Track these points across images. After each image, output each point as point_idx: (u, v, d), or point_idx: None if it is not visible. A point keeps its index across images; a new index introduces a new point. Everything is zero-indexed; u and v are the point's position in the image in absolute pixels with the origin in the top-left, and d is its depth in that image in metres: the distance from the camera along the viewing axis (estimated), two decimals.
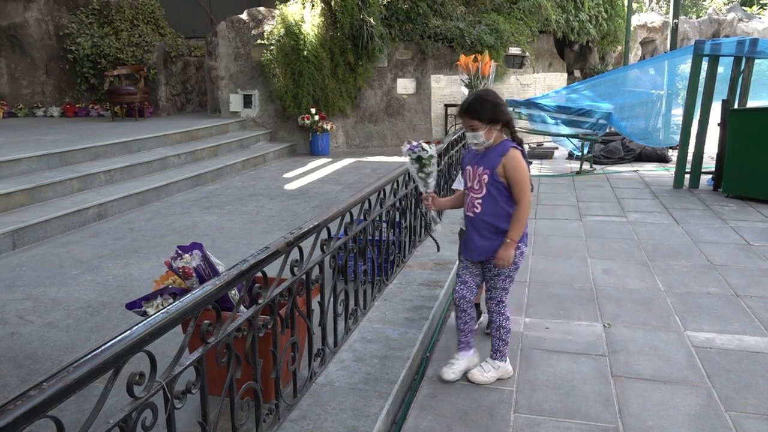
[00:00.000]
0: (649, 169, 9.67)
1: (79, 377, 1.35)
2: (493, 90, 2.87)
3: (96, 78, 11.93)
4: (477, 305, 3.71)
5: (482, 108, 2.71)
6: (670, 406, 2.81)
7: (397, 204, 4.13)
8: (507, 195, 2.75)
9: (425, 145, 3.02)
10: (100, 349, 1.45)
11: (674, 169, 8.25)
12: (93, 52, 11.80)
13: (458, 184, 3.55)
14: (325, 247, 2.85)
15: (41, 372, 3.08)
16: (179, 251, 2.66)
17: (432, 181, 3.07)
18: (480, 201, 2.80)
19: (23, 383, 2.96)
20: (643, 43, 21.17)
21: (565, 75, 14.71)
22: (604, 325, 3.73)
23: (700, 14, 30.72)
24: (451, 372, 3.01)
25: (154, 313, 1.69)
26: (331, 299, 2.98)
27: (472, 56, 3.18)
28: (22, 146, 7.36)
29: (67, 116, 11.81)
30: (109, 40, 11.87)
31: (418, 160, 3.02)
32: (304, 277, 2.63)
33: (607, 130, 10.03)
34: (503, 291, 2.92)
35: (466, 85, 3.26)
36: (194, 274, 2.60)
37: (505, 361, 3.05)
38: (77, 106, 12.00)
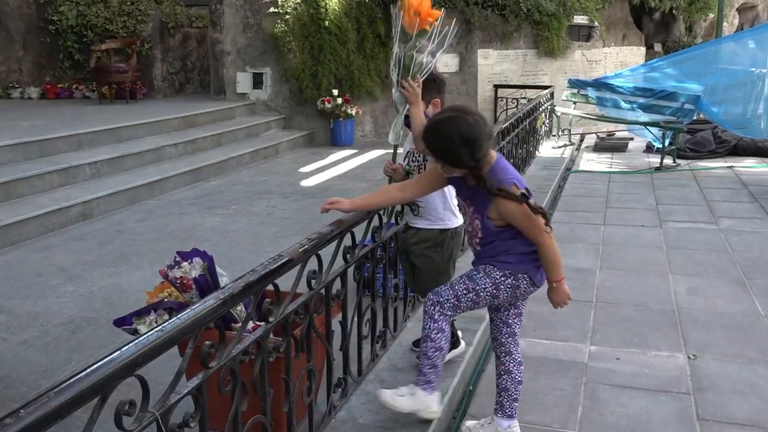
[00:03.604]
0: (746, 165, 9.47)
1: (60, 405, 1.39)
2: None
3: (81, 53, 12.21)
4: None
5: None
6: None
7: None
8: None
9: None
10: (84, 373, 1.49)
11: None
12: (78, 23, 12.09)
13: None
14: (348, 255, 2.86)
15: (15, 398, 3.16)
16: (177, 258, 2.71)
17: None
18: None
19: None
20: (741, 11, 20.73)
21: (643, 49, 14.51)
22: (689, 357, 3.67)
23: None
24: None
25: (147, 332, 1.72)
26: (355, 318, 2.99)
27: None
28: None
29: (47, 98, 12.12)
30: (96, 8, 12.15)
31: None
32: (323, 291, 2.65)
33: (695, 117, 9.86)
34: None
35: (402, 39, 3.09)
36: (194, 286, 2.65)
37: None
38: (59, 86, 12.30)
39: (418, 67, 3.12)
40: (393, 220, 3.34)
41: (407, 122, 3.17)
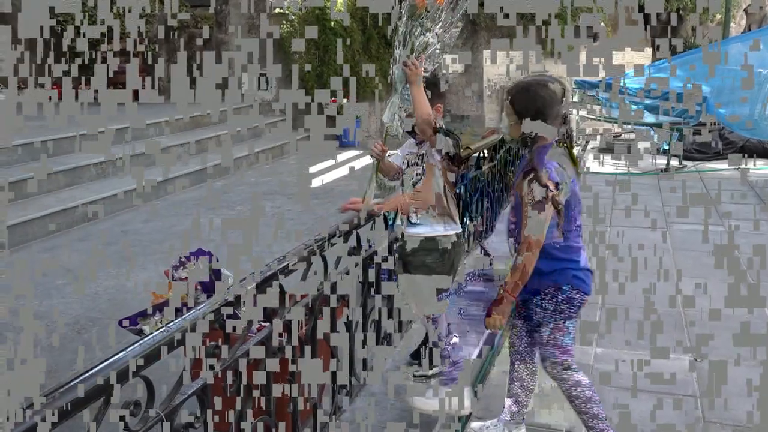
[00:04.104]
0: (754, 166, 9.44)
1: (65, 405, 1.39)
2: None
3: (85, 54, 12.22)
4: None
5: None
6: None
7: None
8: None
9: None
10: (89, 373, 1.50)
11: None
12: (83, 23, 12.10)
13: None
14: (353, 257, 2.86)
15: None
16: (183, 258, 2.71)
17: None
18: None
19: None
20: (748, 12, 20.68)
21: (649, 50, 14.47)
22: (695, 359, 3.66)
23: None
24: None
25: (152, 332, 1.73)
26: (361, 320, 2.99)
27: None
28: None
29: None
30: (102, 8, 12.15)
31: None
32: (328, 292, 2.65)
33: (701, 119, 9.84)
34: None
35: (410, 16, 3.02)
36: (199, 287, 2.65)
37: None
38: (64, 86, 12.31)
39: (423, 47, 3.07)
40: (399, 221, 3.31)
41: (412, 133, 3.12)
